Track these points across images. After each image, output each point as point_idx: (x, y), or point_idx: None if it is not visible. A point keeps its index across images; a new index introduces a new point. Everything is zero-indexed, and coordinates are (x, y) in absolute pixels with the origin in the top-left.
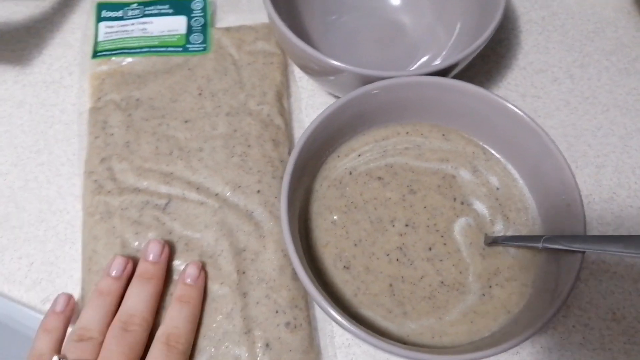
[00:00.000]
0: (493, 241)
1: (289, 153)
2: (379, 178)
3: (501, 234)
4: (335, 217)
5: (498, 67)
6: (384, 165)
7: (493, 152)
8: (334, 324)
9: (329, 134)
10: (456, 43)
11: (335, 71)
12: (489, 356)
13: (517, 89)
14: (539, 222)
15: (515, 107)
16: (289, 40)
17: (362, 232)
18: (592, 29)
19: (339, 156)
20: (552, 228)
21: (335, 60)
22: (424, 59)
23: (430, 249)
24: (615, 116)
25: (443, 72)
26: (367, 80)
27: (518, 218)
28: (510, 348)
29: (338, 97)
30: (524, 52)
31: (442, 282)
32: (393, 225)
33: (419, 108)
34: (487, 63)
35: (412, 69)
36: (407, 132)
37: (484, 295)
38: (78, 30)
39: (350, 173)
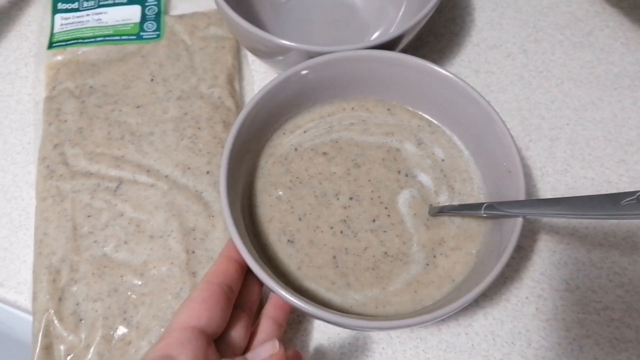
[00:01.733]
0: (438, 211)
1: None
2: (324, 153)
3: (445, 204)
4: (280, 193)
5: (451, 44)
6: (329, 141)
7: (438, 124)
8: None
9: (271, 110)
10: (403, 19)
11: (283, 50)
12: (428, 321)
13: (470, 65)
14: (484, 191)
15: (456, 76)
16: (233, 22)
17: (307, 206)
18: (546, 4)
19: (284, 133)
20: (496, 197)
21: (281, 38)
22: (374, 36)
23: (374, 220)
24: (569, 89)
25: (387, 46)
26: (313, 55)
27: (463, 188)
28: (450, 313)
29: None
30: (477, 29)
31: (386, 253)
32: (337, 199)
33: (363, 83)
34: (440, 41)
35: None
36: (353, 108)
37: (428, 265)
38: (34, 22)
39: (296, 149)
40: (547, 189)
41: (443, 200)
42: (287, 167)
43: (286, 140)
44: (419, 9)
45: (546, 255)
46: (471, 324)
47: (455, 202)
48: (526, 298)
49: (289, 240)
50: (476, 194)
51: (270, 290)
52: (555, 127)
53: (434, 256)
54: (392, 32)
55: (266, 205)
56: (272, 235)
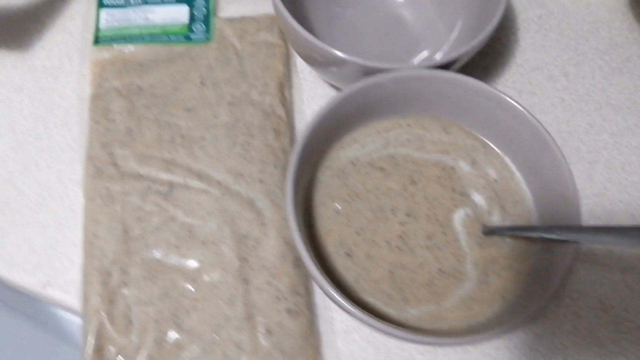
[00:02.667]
0: (491, 231)
1: (291, 143)
2: (381, 169)
3: (497, 224)
4: (338, 206)
5: (495, 64)
6: (386, 156)
7: (492, 145)
8: (333, 310)
9: (333, 125)
10: (457, 39)
11: (339, 62)
12: (483, 340)
13: (514, 86)
14: (534, 213)
15: (515, 101)
16: (293, 31)
17: (364, 220)
18: (587, 28)
19: (342, 147)
20: (547, 219)
21: (339, 51)
22: (425, 53)
23: (429, 237)
24: (607, 114)
25: (445, 67)
26: (370, 72)
27: (514, 209)
28: (503, 333)
29: (339, 89)
30: (521, 49)
31: (441, 270)
32: (394, 215)
33: (420, 101)
34: (485, 60)
35: (413, 62)
36: (409, 125)
37: (481, 282)
38: (78, 16)
39: (353, 163)
40: (584, 212)
41: (495, 220)
42: (345, 180)
43: (343, 154)
44: (476, 29)
45: (583, 275)
46: (512, 338)
47: (506, 223)
48: (564, 315)
49: (346, 254)
50: (527, 215)
51: (333, 301)
52: (593, 150)
53: (487, 274)
54: (451, 52)
55: (324, 217)
56: (330, 248)
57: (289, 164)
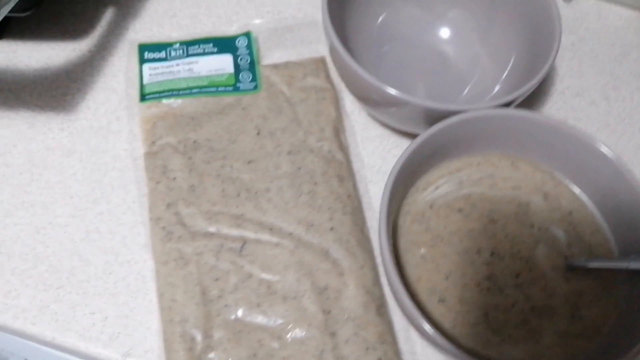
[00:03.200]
0: (574, 266)
1: (354, 187)
2: (459, 210)
3: (579, 256)
4: (423, 251)
5: (538, 93)
6: (462, 197)
7: (561, 177)
8: (420, 355)
9: (411, 169)
10: (509, 75)
11: (401, 103)
12: None
13: (558, 113)
14: (613, 241)
15: (585, 133)
16: (354, 72)
17: (451, 264)
18: (619, 52)
19: (417, 190)
20: (628, 247)
21: (397, 91)
22: (473, 90)
23: (517, 276)
24: None
25: (508, 104)
26: (432, 113)
27: (593, 239)
28: None
29: (393, 128)
30: (559, 77)
31: (533, 308)
32: (479, 255)
33: (488, 139)
34: None
35: (462, 101)
36: (479, 163)
37: (573, 317)
38: (120, 72)
39: (431, 206)
40: None
41: (576, 252)
42: (426, 225)
43: (420, 198)
44: (525, 64)
45: None
46: None
47: (587, 253)
48: None
49: (439, 300)
50: (606, 244)
51: (440, 347)
52: None
53: (578, 308)
54: (510, 90)
55: (412, 265)
56: (422, 295)
57: (380, 212)
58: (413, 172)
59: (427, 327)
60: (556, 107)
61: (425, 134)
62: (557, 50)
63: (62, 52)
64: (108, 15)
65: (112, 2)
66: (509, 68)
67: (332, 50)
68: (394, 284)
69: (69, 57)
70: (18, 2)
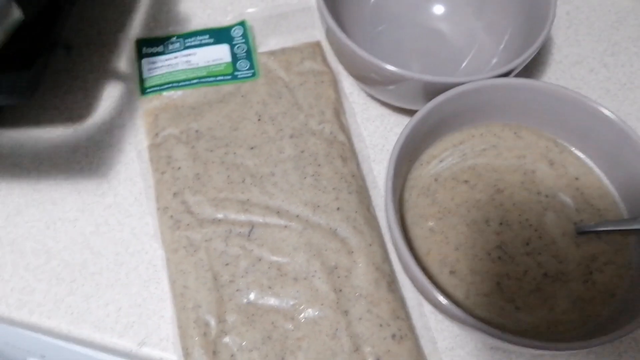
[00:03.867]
0: (584, 230)
1: (358, 167)
2: (465, 181)
3: (588, 221)
4: (431, 224)
5: (536, 63)
6: (467, 168)
7: (565, 143)
8: (434, 330)
9: (414, 144)
10: (507, 48)
11: (400, 79)
12: (600, 344)
13: (558, 82)
14: (622, 205)
15: (588, 98)
16: (352, 52)
17: (461, 235)
18: (615, 18)
19: (421, 164)
20: (637, 208)
21: (396, 67)
22: (472, 65)
23: (527, 244)
24: None
25: (506, 74)
26: (431, 87)
27: (602, 203)
28: (622, 334)
29: (392, 106)
30: (557, 46)
31: (546, 274)
32: (488, 225)
33: (489, 110)
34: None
35: (460, 74)
36: (481, 134)
37: (586, 281)
38: (120, 68)
39: (436, 179)
40: None
41: (585, 217)
42: (432, 198)
43: (425, 172)
44: (522, 36)
45: None
46: None
47: (596, 217)
48: None
49: (450, 272)
50: (614, 208)
51: (455, 318)
52: None
53: (590, 272)
54: (507, 60)
55: (420, 238)
56: (433, 268)
57: (386, 185)
58: (416, 146)
59: (441, 298)
60: (555, 77)
61: (426, 108)
62: (553, 20)
63: (62, 51)
64: (106, 14)
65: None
66: (505, 40)
67: (329, 32)
68: (404, 257)
69: (70, 55)
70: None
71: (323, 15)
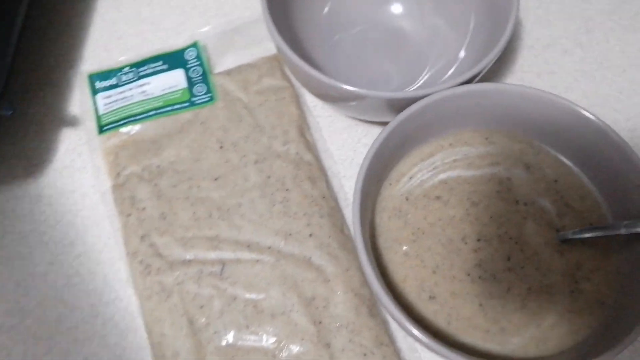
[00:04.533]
0: (567, 237)
1: (328, 187)
2: (437, 197)
3: (571, 226)
4: (405, 248)
5: (506, 51)
6: (438, 183)
7: (541, 145)
8: (420, 351)
9: (381, 163)
10: (473, 40)
11: (358, 97)
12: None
13: (531, 69)
14: (605, 205)
15: (561, 98)
16: (305, 73)
17: (437, 257)
18: None
19: (390, 184)
20: (621, 209)
21: (355, 86)
22: (440, 63)
23: (508, 258)
24: (633, 75)
25: (473, 78)
26: (394, 102)
27: (583, 205)
28: (622, 349)
29: (359, 120)
30: (527, 30)
31: (530, 289)
32: (465, 243)
33: (457, 117)
34: None
35: (428, 76)
36: (451, 144)
37: (573, 292)
38: (74, 107)
39: (407, 199)
40: None
41: (567, 222)
42: (405, 219)
43: (395, 192)
44: (486, 30)
45: None
46: None
47: (579, 221)
48: None
49: (430, 297)
50: (597, 209)
51: (431, 350)
52: (630, 117)
53: (576, 282)
54: (475, 62)
55: (395, 264)
56: (411, 295)
57: (353, 212)
58: (383, 166)
59: (417, 332)
60: (528, 64)
61: (389, 126)
62: (518, 6)
63: (12, 95)
64: (54, 50)
65: (56, 35)
66: (470, 32)
67: (279, 52)
68: (376, 291)
69: (22, 98)
70: None
71: (271, 33)
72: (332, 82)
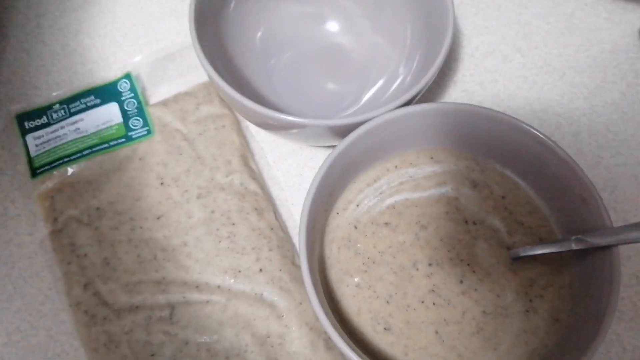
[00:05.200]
0: (519, 255)
1: (276, 216)
2: (386, 223)
3: (522, 243)
4: (357, 280)
5: (447, 60)
6: (385, 208)
7: (486, 161)
8: None
9: (326, 192)
10: (411, 58)
11: (299, 126)
12: None
13: (472, 78)
14: (553, 218)
15: (503, 113)
16: (240, 103)
17: (390, 286)
18: None
19: (337, 213)
20: (569, 223)
21: (296, 112)
22: (381, 81)
23: (461, 281)
24: (573, 78)
25: (415, 97)
26: (334, 129)
27: (532, 221)
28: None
29: (301, 145)
30: (466, 38)
31: (484, 312)
32: (417, 269)
33: (401, 139)
34: None
35: (371, 94)
36: (396, 166)
37: (527, 311)
38: (3, 150)
39: (355, 227)
40: None
41: (518, 239)
42: (354, 249)
43: (342, 220)
44: (424, 40)
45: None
46: None
47: (529, 237)
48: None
49: (385, 329)
50: (547, 223)
51: None
52: (573, 121)
53: (530, 300)
54: (415, 78)
55: (348, 297)
56: (365, 328)
57: (299, 246)
58: (329, 195)
59: (348, 352)
60: (469, 73)
61: (332, 155)
62: (454, 16)
63: None
64: None
65: None
66: (408, 46)
67: (211, 80)
68: (327, 328)
69: None
70: None
71: (201, 61)
72: (270, 112)
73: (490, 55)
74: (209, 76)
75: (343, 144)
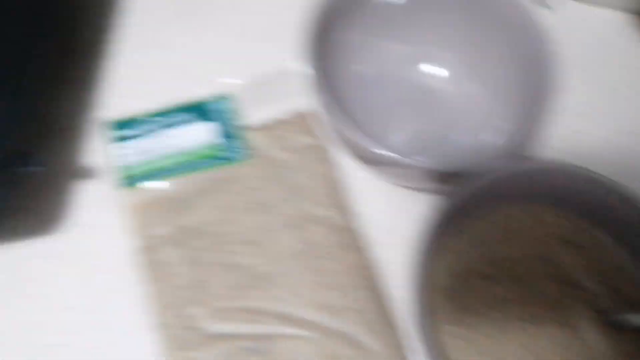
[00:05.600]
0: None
1: (368, 257)
2: (487, 276)
3: (618, 310)
4: (461, 331)
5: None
6: (487, 261)
7: (580, 221)
8: None
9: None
10: (513, 113)
11: (411, 167)
12: None
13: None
14: None
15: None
16: (355, 141)
17: (489, 342)
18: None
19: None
20: None
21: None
22: (478, 132)
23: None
24: None
25: (522, 155)
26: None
27: (634, 291)
28: None
29: (390, 184)
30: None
31: None
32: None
33: (508, 193)
34: None
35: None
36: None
37: None
38: (93, 158)
39: (451, 275)
40: None
41: (614, 305)
42: (460, 302)
43: (441, 266)
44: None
45: None
46: None
47: (627, 306)
48: None
49: None
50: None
51: None
52: None
53: None
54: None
55: (449, 346)
56: None
57: (415, 299)
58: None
59: None
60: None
61: (450, 201)
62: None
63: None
64: (69, 96)
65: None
66: (512, 103)
67: (330, 115)
68: None
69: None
70: None
71: (321, 94)
72: (395, 156)
73: (582, 115)
74: (327, 109)
75: (464, 189)
